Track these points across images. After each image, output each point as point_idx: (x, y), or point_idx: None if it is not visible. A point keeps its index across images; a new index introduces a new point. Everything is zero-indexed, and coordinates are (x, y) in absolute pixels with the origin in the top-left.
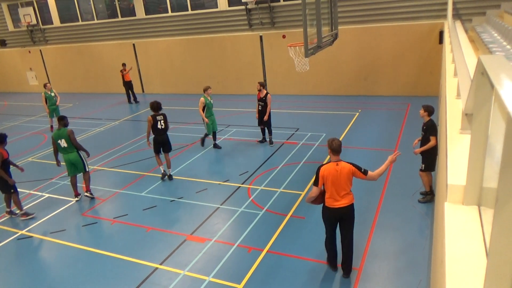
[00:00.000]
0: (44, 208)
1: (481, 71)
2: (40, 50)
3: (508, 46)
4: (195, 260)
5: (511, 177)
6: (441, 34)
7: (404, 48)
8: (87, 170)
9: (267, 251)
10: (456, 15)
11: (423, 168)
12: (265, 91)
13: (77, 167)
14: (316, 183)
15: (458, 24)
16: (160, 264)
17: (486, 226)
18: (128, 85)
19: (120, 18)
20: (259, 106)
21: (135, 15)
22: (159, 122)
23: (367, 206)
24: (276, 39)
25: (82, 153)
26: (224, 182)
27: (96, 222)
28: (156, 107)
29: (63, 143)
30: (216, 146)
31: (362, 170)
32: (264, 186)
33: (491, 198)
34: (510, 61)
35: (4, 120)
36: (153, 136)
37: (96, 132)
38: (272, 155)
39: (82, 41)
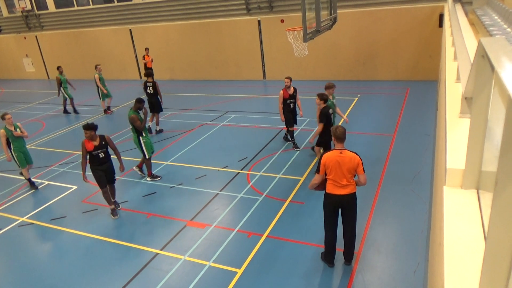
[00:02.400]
0: (44, 195)
1: (482, 54)
2: (36, 36)
3: (509, 29)
4: (195, 246)
5: (511, 161)
6: (441, 17)
7: (403, 32)
8: (147, 157)
9: (267, 236)
10: None
11: (322, 151)
12: (292, 87)
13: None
14: (318, 170)
15: (458, 7)
16: (161, 249)
17: (484, 209)
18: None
19: (116, 3)
20: (291, 104)
21: (131, 0)
22: (148, 88)
23: (366, 191)
24: (275, 24)
25: (144, 138)
26: (223, 168)
27: (97, 209)
28: (148, 74)
29: (128, 124)
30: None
31: (364, 168)
32: (263, 172)
33: (490, 182)
34: (511, 43)
35: (1, 107)
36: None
37: (94, 119)
38: (271, 141)
39: (78, 26)
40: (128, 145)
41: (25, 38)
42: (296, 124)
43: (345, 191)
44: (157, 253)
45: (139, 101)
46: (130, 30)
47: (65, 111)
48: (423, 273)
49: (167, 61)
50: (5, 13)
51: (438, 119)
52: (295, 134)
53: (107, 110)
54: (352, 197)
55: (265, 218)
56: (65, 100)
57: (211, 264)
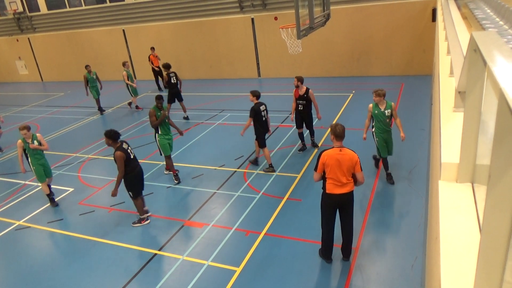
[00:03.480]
0: (40, 198)
1: (474, 48)
2: (28, 38)
3: (501, 22)
4: (193, 245)
5: (503, 154)
6: (434, 11)
7: (396, 27)
8: (161, 154)
9: (265, 234)
10: None
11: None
12: (304, 87)
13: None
14: (316, 168)
15: (451, 1)
16: (159, 250)
17: (479, 202)
18: (156, 71)
19: (108, 4)
20: (299, 105)
21: (123, 0)
22: (172, 78)
23: (363, 186)
24: (268, 22)
25: (160, 136)
26: (220, 167)
27: (94, 211)
28: (168, 66)
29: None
30: (389, 178)
31: (361, 166)
32: (260, 170)
33: (484, 175)
34: (503, 37)
35: None
36: (168, 89)
37: (90, 120)
38: (266, 138)
39: (70, 28)
40: None
41: (17, 40)
42: (307, 128)
43: (345, 190)
44: (156, 254)
45: (157, 98)
46: (123, 30)
47: (100, 110)
48: (421, 267)
49: (161, 60)
50: None
51: (433, 113)
52: (291, 131)
53: (129, 104)
54: (351, 195)
55: (263, 216)
56: (98, 98)
57: (209, 263)
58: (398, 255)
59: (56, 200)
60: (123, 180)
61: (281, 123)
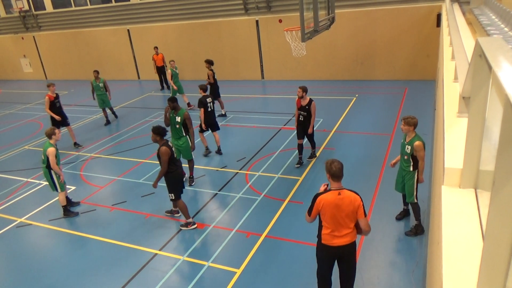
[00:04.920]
0: (42, 196)
1: (479, 53)
2: (34, 37)
3: (506, 29)
4: (194, 246)
5: (508, 160)
6: (438, 17)
7: (401, 32)
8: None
9: (266, 236)
10: None
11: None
12: (308, 98)
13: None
14: (309, 212)
15: (456, 6)
16: (160, 250)
17: (482, 208)
18: (160, 71)
19: (114, 3)
20: (300, 116)
21: (129, 0)
22: (215, 74)
23: (365, 191)
24: (273, 24)
25: (171, 139)
26: (221, 168)
27: (95, 209)
28: (212, 62)
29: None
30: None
31: (365, 211)
32: (262, 172)
33: (487, 181)
34: (508, 43)
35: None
36: (211, 86)
37: (92, 119)
38: (269, 140)
39: (76, 27)
40: (127, 145)
41: (22, 38)
42: (308, 139)
43: (344, 241)
44: (156, 254)
45: (170, 100)
46: (128, 30)
47: (108, 122)
48: (421, 272)
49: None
50: (2, 13)
51: (436, 118)
52: (294, 133)
53: (188, 104)
54: (352, 246)
55: (264, 218)
56: (103, 108)
57: (210, 264)
58: (398, 260)
59: (55, 199)
60: (165, 182)
61: (284, 125)
